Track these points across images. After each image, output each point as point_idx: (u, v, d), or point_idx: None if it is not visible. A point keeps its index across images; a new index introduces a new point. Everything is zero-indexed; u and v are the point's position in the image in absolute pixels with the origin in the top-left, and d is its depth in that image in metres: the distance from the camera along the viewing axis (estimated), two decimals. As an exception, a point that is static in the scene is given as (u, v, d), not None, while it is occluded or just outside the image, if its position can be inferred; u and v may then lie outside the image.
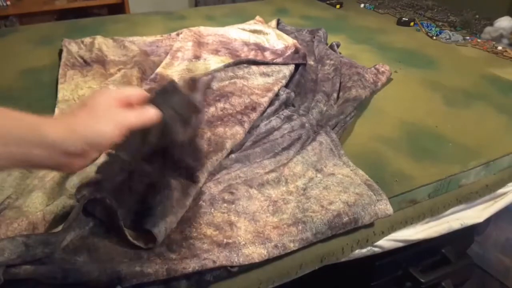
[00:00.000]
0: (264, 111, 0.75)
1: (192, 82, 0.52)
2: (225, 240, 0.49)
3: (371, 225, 0.57)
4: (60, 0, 2.17)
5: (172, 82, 0.49)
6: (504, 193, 0.76)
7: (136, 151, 0.45)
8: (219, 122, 0.69)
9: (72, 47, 0.99)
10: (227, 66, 0.87)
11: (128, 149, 0.44)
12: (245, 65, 0.87)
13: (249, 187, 0.58)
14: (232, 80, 0.82)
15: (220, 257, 0.46)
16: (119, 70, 0.90)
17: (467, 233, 0.89)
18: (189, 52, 0.98)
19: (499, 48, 1.20)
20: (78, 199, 0.48)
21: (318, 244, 0.54)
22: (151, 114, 0.42)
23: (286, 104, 0.80)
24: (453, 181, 0.67)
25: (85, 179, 0.55)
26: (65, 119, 0.39)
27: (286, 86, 0.85)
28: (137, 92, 0.44)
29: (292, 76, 0.88)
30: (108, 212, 0.47)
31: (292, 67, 0.89)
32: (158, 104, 0.44)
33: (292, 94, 0.82)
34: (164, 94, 0.47)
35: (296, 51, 0.98)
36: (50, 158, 0.37)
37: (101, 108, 0.40)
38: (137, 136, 0.43)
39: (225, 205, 0.54)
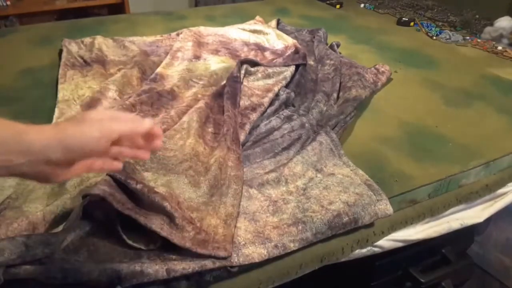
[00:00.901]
0: (264, 111, 0.75)
1: None
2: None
3: (371, 225, 0.57)
4: (60, 0, 2.17)
5: None
6: (504, 193, 0.76)
7: None
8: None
9: (72, 47, 0.99)
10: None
11: None
12: (246, 66, 0.87)
13: (249, 187, 0.58)
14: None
15: (220, 258, 0.46)
16: (119, 70, 0.90)
17: (467, 233, 0.89)
18: (189, 52, 0.98)
19: (499, 48, 1.20)
20: (82, 198, 0.48)
21: (318, 244, 0.54)
22: (145, 125, 0.40)
23: (286, 104, 0.80)
24: (453, 181, 0.67)
25: (86, 179, 0.55)
26: (50, 127, 0.37)
27: (286, 86, 0.85)
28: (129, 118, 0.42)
29: (292, 76, 0.88)
30: (108, 214, 0.47)
31: (292, 68, 0.89)
32: None
33: (292, 94, 0.82)
34: None
35: (296, 51, 0.99)
36: (32, 166, 0.36)
37: (89, 117, 0.38)
38: None
39: (225, 205, 0.54)
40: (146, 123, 0.40)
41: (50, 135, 0.36)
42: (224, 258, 0.46)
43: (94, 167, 0.41)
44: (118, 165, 0.42)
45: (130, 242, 0.46)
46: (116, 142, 0.40)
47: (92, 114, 0.39)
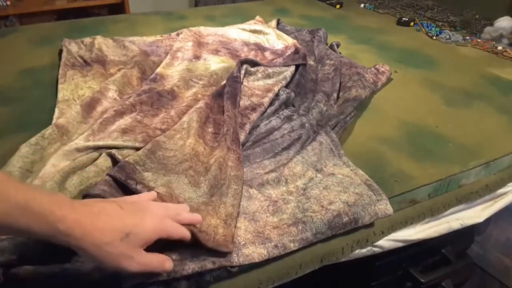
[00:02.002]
0: (264, 111, 0.75)
1: None
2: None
3: (371, 225, 0.57)
4: (60, 0, 2.17)
5: None
6: (504, 193, 0.76)
7: None
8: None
9: (72, 47, 0.99)
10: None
11: None
12: (246, 66, 0.87)
13: (249, 187, 0.58)
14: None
15: (220, 258, 0.46)
16: (119, 70, 0.90)
17: (467, 233, 0.89)
18: (189, 52, 0.98)
19: (499, 48, 1.20)
20: (82, 198, 0.48)
21: (318, 244, 0.54)
22: (164, 268, 0.43)
23: (286, 104, 0.80)
24: (453, 181, 0.67)
25: (86, 179, 0.55)
26: (87, 214, 0.38)
27: (286, 86, 0.85)
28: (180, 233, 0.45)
29: (292, 76, 0.88)
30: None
31: (292, 68, 0.89)
32: None
33: (292, 94, 0.82)
34: None
35: (296, 51, 0.99)
36: (55, 240, 0.37)
37: (130, 241, 0.40)
38: None
39: (225, 205, 0.54)
40: (166, 267, 0.43)
41: (77, 233, 0.37)
42: (225, 254, 0.46)
43: None
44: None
45: None
46: None
47: (143, 233, 0.41)
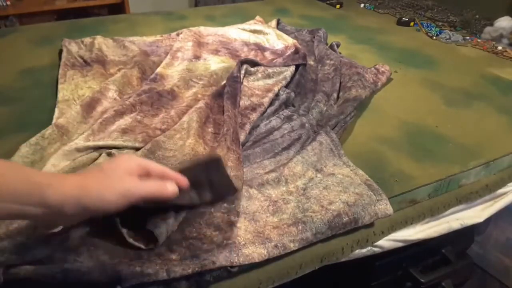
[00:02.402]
0: (264, 111, 0.75)
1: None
2: (225, 240, 0.49)
3: (371, 225, 0.57)
4: (60, 0, 2.17)
5: (217, 160, 0.46)
6: (504, 193, 0.76)
7: None
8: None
9: (72, 47, 0.99)
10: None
11: None
12: (246, 66, 0.87)
13: (249, 187, 0.58)
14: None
15: (220, 258, 0.46)
16: (119, 70, 0.90)
17: (467, 233, 0.89)
18: (189, 52, 0.98)
19: (499, 48, 1.20)
20: None
21: (318, 244, 0.54)
22: (167, 191, 0.41)
23: (286, 104, 0.80)
24: (453, 181, 0.67)
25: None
26: (72, 180, 0.38)
27: (286, 86, 0.85)
28: (160, 167, 0.43)
29: (292, 76, 0.88)
30: (106, 215, 0.47)
31: (292, 68, 0.89)
32: (195, 181, 0.44)
33: (292, 94, 0.82)
34: (205, 171, 0.46)
35: (296, 51, 0.99)
36: (46, 216, 0.37)
37: (114, 174, 0.39)
38: None
39: (225, 205, 0.54)
40: (170, 190, 0.41)
41: (69, 192, 0.37)
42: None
43: None
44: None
45: (130, 240, 0.46)
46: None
47: (120, 166, 0.39)
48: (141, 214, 0.49)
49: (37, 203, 0.36)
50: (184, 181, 0.43)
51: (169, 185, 0.41)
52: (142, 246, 0.46)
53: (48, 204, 0.36)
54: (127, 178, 0.39)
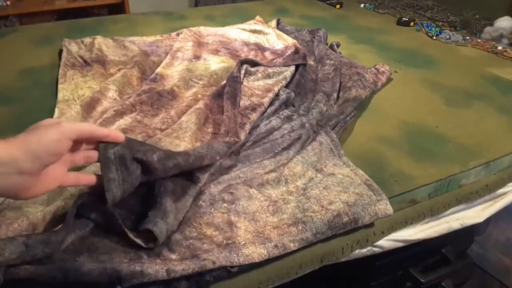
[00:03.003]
0: (264, 111, 0.75)
1: None
2: (225, 240, 0.49)
3: (371, 225, 0.57)
4: (60, 0, 2.17)
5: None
6: (504, 193, 0.76)
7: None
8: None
9: (72, 47, 0.99)
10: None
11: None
12: (246, 66, 0.87)
13: (249, 187, 0.58)
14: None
15: (220, 258, 0.46)
16: (119, 70, 0.90)
17: (467, 233, 0.89)
18: (189, 52, 0.98)
19: (499, 48, 1.20)
20: (73, 202, 0.48)
21: (318, 244, 0.54)
22: (103, 129, 0.43)
23: (286, 104, 0.80)
24: (453, 181, 0.67)
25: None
26: (14, 139, 0.39)
27: (286, 86, 0.85)
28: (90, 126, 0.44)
29: (292, 76, 0.88)
30: (106, 214, 0.47)
31: (292, 68, 0.89)
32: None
33: (292, 94, 0.82)
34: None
35: (296, 51, 0.99)
36: (6, 178, 0.37)
37: (43, 124, 0.40)
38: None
39: (225, 205, 0.54)
40: (105, 129, 0.43)
41: (15, 146, 0.38)
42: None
43: (67, 182, 0.44)
44: (91, 178, 0.45)
45: (131, 236, 0.46)
46: (77, 146, 0.43)
47: (46, 121, 0.41)
48: (141, 214, 0.49)
49: None
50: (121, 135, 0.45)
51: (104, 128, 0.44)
52: (142, 244, 0.46)
53: (1, 162, 0.36)
54: (61, 122, 0.41)
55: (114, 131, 0.45)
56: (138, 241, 0.46)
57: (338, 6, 1.57)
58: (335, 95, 0.83)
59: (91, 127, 0.43)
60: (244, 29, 1.16)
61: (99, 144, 0.45)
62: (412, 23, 1.40)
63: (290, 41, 1.07)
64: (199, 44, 1.05)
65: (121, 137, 0.45)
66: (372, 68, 0.96)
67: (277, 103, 0.78)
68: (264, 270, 0.50)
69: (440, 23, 1.42)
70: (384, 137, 0.75)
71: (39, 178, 0.40)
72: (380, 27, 1.37)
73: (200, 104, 0.74)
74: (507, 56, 1.16)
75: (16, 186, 0.38)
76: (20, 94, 0.83)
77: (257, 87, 0.82)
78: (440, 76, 1.01)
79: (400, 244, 0.64)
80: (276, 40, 1.10)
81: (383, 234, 0.60)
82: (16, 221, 0.46)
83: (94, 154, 0.45)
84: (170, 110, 0.75)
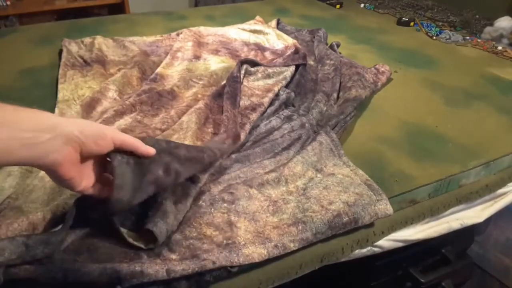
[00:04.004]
0: (264, 111, 0.75)
1: None
2: (225, 240, 0.49)
3: (371, 225, 0.57)
4: (60, 0, 2.17)
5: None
6: (504, 193, 0.76)
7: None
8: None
9: (72, 47, 0.99)
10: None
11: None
12: (246, 66, 0.87)
13: (249, 187, 0.58)
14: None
15: (220, 258, 0.46)
16: (119, 70, 0.90)
17: (467, 233, 0.89)
18: (189, 52, 0.98)
19: (499, 48, 1.20)
20: (73, 202, 0.48)
21: (318, 244, 0.54)
22: (147, 148, 0.45)
23: (286, 104, 0.80)
24: (453, 181, 0.67)
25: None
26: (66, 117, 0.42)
27: (286, 86, 0.85)
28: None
29: (292, 76, 0.88)
30: (105, 216, 0.47)
31: (292, 68, 0.89)
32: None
33: (292, 94, 0.82)
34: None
35: (296, 51, 0.99)
36: (52, 145, 0.38)
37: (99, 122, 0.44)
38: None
39: (225, 205, 0.54)
40: (150, 149, 0.45)
41: (65, 119, 0.41)
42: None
43: (95, 188, 0.45)
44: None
45: (130, 240, 0.46)
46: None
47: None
48: (141, 214, 0.49)
49: (47, 127, 0.38)
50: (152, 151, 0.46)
51: (150, 148, 0.45)
52: (142, 246, 0.46)
53: (57, 127, 0.39)
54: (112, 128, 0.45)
55: (152, 150, 0.46)
56: (137, 243, 0.46)
57: (338, 6, 1.57)
58: (335, 95, 0.83)
59: (135, 141, 0.44)
60: (244, 29, 1.16)
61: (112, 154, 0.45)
62: (412, 23, 1.40)
63: (290, 41, 1.07)
64: (199, 44, 1.05)
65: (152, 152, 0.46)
66: (372, 68, 0.96)
67: (277, 103, 0.78)
68: (264, 270, 0.50)
69: (440, 23, 1.42)
70: (384, 137, 0.75)
71: (79, 165, 0.42)
72: (380, 27, 1.37)
73: (200, 104, 0.74)
74: (507, 56, 1.16)
75: (61, 156, 0.39)
76: (20, 94, 0.83)
77: (257, 87, 0.82)
78: (440, 76, 1.01)
79: (400, 244, 0.64)
80: (276, 40, 1.10)
81: (383, 234, 0.60)
82: (16, 221, 0.46)
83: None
84: (170, 110, 0.75)
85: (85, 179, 0.43)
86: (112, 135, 0.42)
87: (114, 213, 0.45)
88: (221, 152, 0.56)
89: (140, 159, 0.45)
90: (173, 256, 0.46)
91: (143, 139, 0.46)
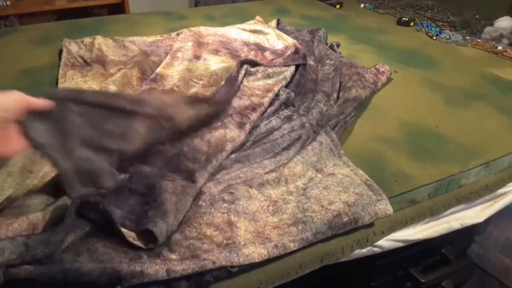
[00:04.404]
0: (264, 111, 0.75)
1: None
2: (225, 240, 0.49)
3: (371, 225, 0.57)
4: (60, 0, 2.17)
5: None
6: (504, 193, 0.76)
7: None
8: (219, 124, 0.69)
9: (72, 47, 0.99)
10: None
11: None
12: (246, 66, 0.87)
13: (249, 187, 0.58)
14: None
15: (220, 258, 0.46)
16: (119, 70, 0.90)
17: (467, 233, 0.89)
18: (189, 52, 0.98)
19: (499, 48, 1.20)
20: (72, 202, 0.48)
21: (318, 244, 0.54)
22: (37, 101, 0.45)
23: (286, 104, 0.80)
24: (453, 181, 0.67)
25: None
26: None
27: (286, 86, 0.85)
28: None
29: (292, 76, 0.88)
30: (104, 215, 0.47)
31: (292, 68, 0.89)
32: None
33: (292, 94, 0.82)
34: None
35: (296, 51, 0.98)
36: None
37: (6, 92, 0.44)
38: None
39: (225, 205, 0.54)
40: (44, 102, 0.45)
41: None
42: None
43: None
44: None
45: (130, 239, 0.46)
46: None
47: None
48: (141, 214, 0.49)
49: None
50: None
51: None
52: (142, 246, 0.46)
53: None
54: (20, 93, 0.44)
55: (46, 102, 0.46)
56: (137, 243, 0.46)
57: (338, 6, 1.57)
58: (335, 95, 0.83)
59: (30, 98, 0.45)
60: (244, 29, 1.16)
61: None
62: (412, 23, 1.40)
63: (290, 41, 1.07)
64: (199, 44, 1.05)
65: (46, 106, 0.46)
66: (372, 68, 0.96)
67: (277, 103, 0.78)
68: (264, 270, 0.50)
69: (440, 23, 1.42)
70: (384, 137, 0.75)
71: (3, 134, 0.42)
72: (380, 27, 1.37)
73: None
74: (507, 56, 1.16)
75: None
76: (20, 94, 0.83)
77: (257, 87, 0.82)
78: (440, 76, 1.01)
79: (400, 244, 0.64)
80: (276, 40, 1.10)
81: (383, 234, 0.60)
82: (16, 221, 0.46)
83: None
84: (170, 110, 0.75)
85: (13, 144, 0.44)
86: (22, 98, 0.43)
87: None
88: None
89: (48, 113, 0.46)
90: (173, 256, 0.46)
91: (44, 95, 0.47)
